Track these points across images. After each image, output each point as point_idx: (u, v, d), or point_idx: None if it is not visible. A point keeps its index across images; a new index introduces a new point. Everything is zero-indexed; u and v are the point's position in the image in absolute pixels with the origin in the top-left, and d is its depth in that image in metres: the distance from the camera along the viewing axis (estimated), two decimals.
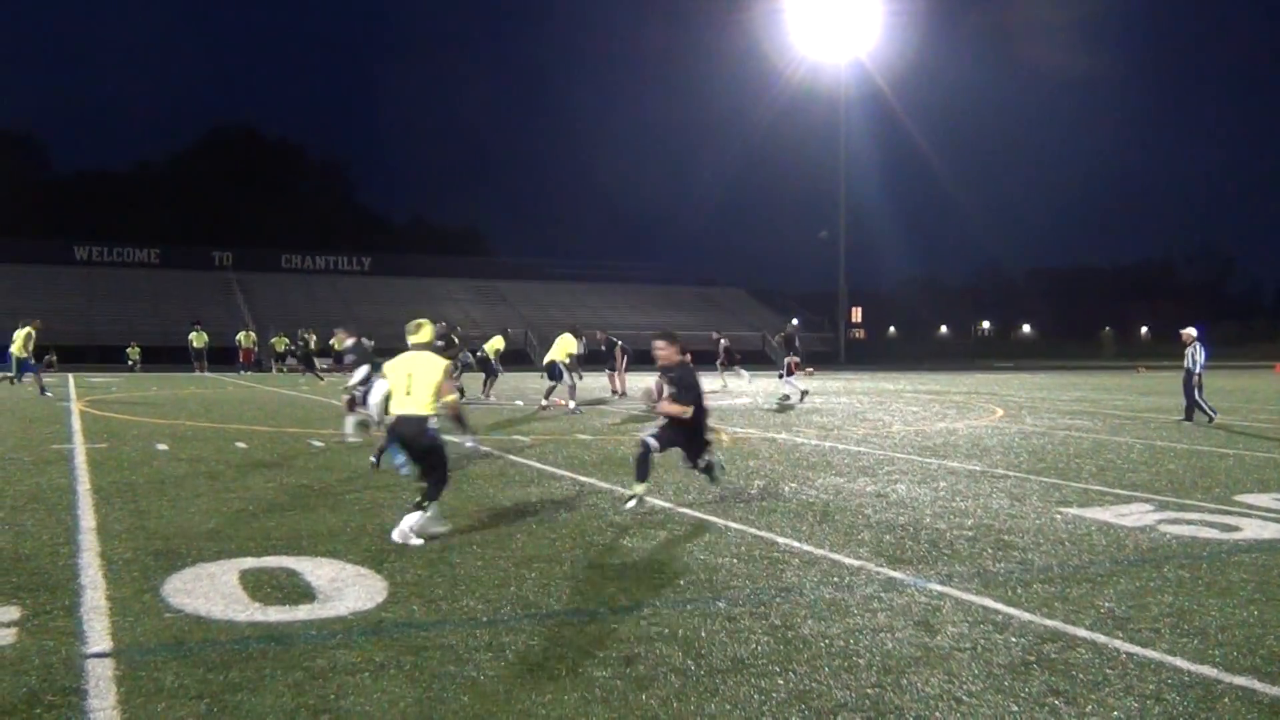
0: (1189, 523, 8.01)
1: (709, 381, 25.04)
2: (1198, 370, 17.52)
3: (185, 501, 8.57)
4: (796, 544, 7.10)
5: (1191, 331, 17.85)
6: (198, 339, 39.53)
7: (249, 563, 6.32)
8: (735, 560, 6.57)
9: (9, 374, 22.10)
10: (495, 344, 23.11)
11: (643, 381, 24.99)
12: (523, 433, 14.99)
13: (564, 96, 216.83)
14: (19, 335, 22.22)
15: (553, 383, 19.89)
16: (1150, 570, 6.40)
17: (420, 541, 6.91)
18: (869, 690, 4.23)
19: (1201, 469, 11.39)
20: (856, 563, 6.56)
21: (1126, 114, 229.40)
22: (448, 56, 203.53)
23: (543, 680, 4.30)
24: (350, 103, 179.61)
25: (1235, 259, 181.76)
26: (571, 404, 19.36)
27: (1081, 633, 5.05)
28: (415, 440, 7.14)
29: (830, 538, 7.33)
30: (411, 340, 7.38)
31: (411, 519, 6.96)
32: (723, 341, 29.28)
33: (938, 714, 4.00)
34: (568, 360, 19.93)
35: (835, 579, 6.13)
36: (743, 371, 29.53)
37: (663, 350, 8.54)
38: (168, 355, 41.44)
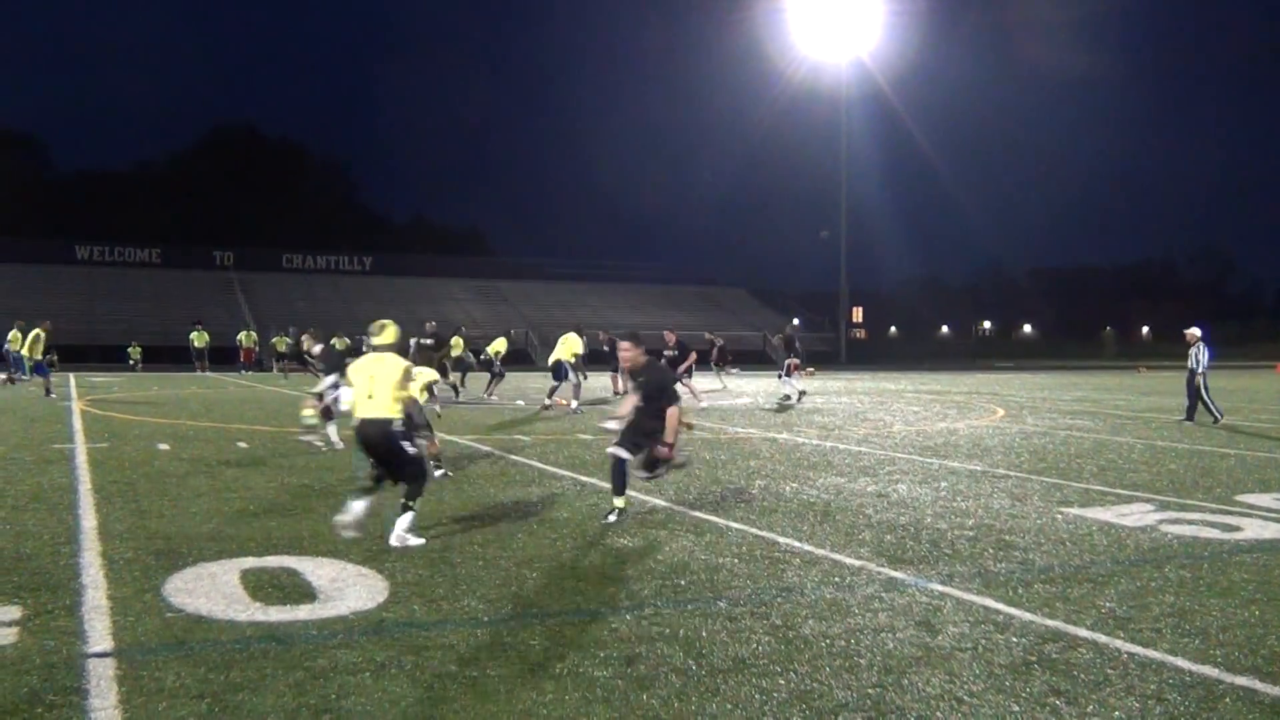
0: (1190, 523, 8.01)
1: (709, 382, 25.08)
2: (1200, 370, 17.50)
3: (186, 501, 8.57)
4: (797, 544, 7.10)
5: (1196, 332, 17.82)
6: (199, 339, 39.53)
7: (250, 562, 6.32)
8: (736, 560, 6.57)
9: (23, 376, 22.06)
10: (497, 345, 23.13)
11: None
12: (524, 433, 14.99)
13: (565, 96, 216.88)
14: (29, 338, 22.15)
15: (556, 382, 19.90)
16: (1151, 570, 6.40)
17: (421, 540, 6.91)
18: (870, 690, 4.23)
19: (1203, 469, 11.39)
20: (857, 563, 6.56)
21: (1127, 114, 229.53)
22: (449, 56, 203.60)
23: (544, 680, 4.30)
24: (351, 102, 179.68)
25: (1236, 259, 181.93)
26: (574, 404, 19.36)
27: (1083, 633, 5.05)
28: (379, 443, 7.01)
29: (831, 538, 7.33)
30: (375, 341, 7.27)
31: (403, 521, 6.93)
32: (717, 341, 29.32)
33: (939, 714, 4.00)
34: (573, 359, 19.95)
35: (836, 579, 6.13)
36: (733, 371, 29.55)
37: (629, 353, 8.07)
38: (169, 355, 41.43)
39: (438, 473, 10.07)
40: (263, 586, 5.76)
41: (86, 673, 4.33)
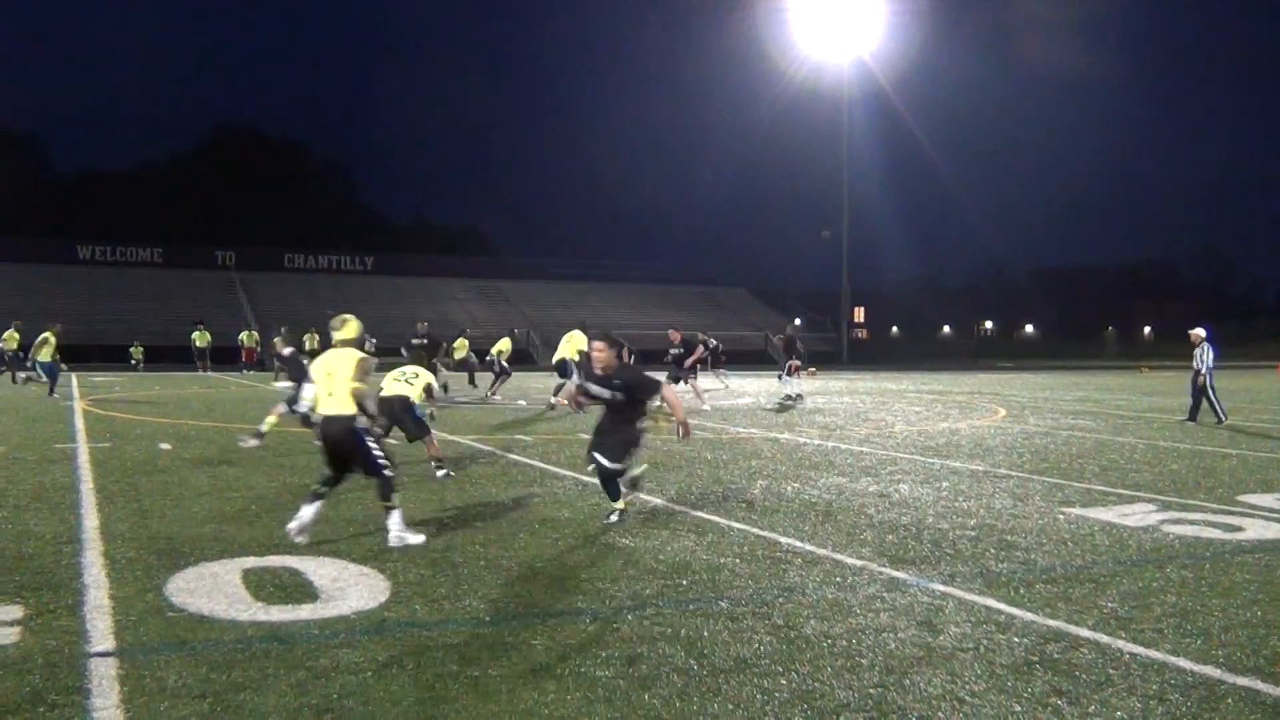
0: (1192, 523, 8.00)
1: (707, 382, 25.06)
2: (1204, 370, 17.48)
3: (188, 501, 8.58)
4: (799, 544, 7.10)
5: (1200, 332, 17.79)
6: (200, 338, 39.56)
7: (252, 562, 6.32)
8: (738, 560, 6.57)
9: (39, 377, 22.03)
10: (502, 345, 23.08)
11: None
12: (526, 432, 14.99)
13: (566, 96, 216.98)
14: (38, 342, 22.08)
15: (563, 380, 19.90)
16: (1153, 570, 6.39)
17: (421, 538, 6.90)
18: (872, 690, 4.23)
19: (1205, 469, 11.38)
20: (859, 563, 6.55)
21: (1129, 114, 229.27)
22: (450, 56, 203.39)
23: (545, 680, 4.30)
24: (353, 102, 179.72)
25: (1237, 259, 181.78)
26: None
27: (1084, 633, 5.05)
28: (342, 441, 6.92)
29: (833, 538, 7.33)
30: (336, 337, 7.16)
31: (394, 522, 6.89)
32: (710, 342, 29.27)
33: (940, 714, 4.00)
34: (577, 358, 19.96)
35: (838, 579, 6.13)
36: (723, 373, 29.49)
37: (602, 354, 7.70)
38: (170, 355, 41.46)
39: (440, 473, 10.08)
40: (264, 586, 5.76)
41: (88, 672, 4.34)
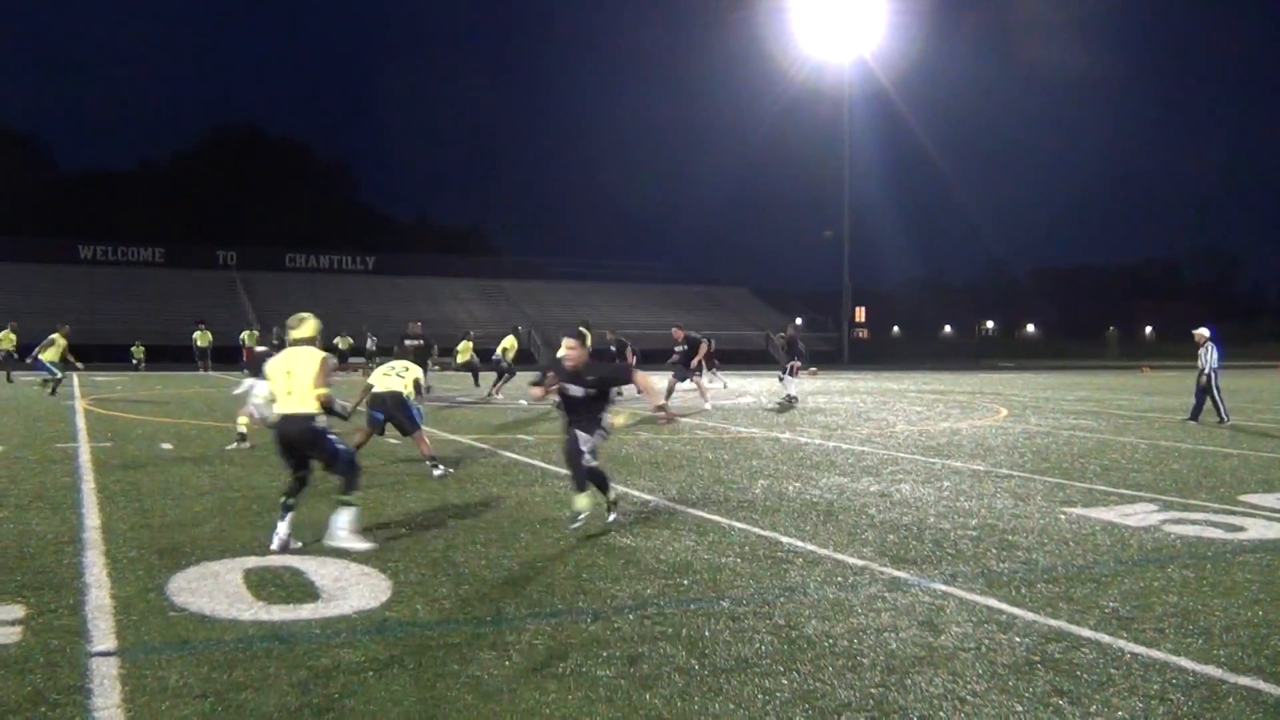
0: (1193, 523, 8.00)
1: (710, 382, 25.06)
2: (1208, 370, 17.45)
3: (189, 500, 8.58)
4: (800, 543, 7.09)
5: (1204, 332, 17.74)
6: (202, 338, 39.57)
7: (253, 562, 6.33)
8: (739, 560, 6.57)
9: (53, 378, 22.03)
10: (507, 343, 22.96)
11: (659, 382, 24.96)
12: (527, 432, 14.99)
13: (568, 96, 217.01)
14: (45, 343, 22.07)
15: None
16: (1154, 570, 6.39)
17: (367, 545, 6.66)
18: (873, 690, 4.23)
19: (1206, 469, 11.38)
20: (860, 562, 6.55)
21: (1131, 113, 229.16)
22: (451, 56, 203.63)
23: (546, 679, 4.30)
24: (354, 102, 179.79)
25: (1239, 259, 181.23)
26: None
27: (1086, 633, 5.05)
28: (302, 440, 6.78)
29: (834, 537, 7.33)
30: (293, 335, 6.99)
31: (343, 518, 6.72)
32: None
33: (942, 714, 4.00)
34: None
35: (839, 579, 6.13)
36: (716, 373, 29.45)
37: (573, 351, 7.50)
38: (172, 354, 41.48)
39: (436, 472, 10.09)
40: (266, 586, 5.76)
41: (90, 672, 4.34)
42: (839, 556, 6.71)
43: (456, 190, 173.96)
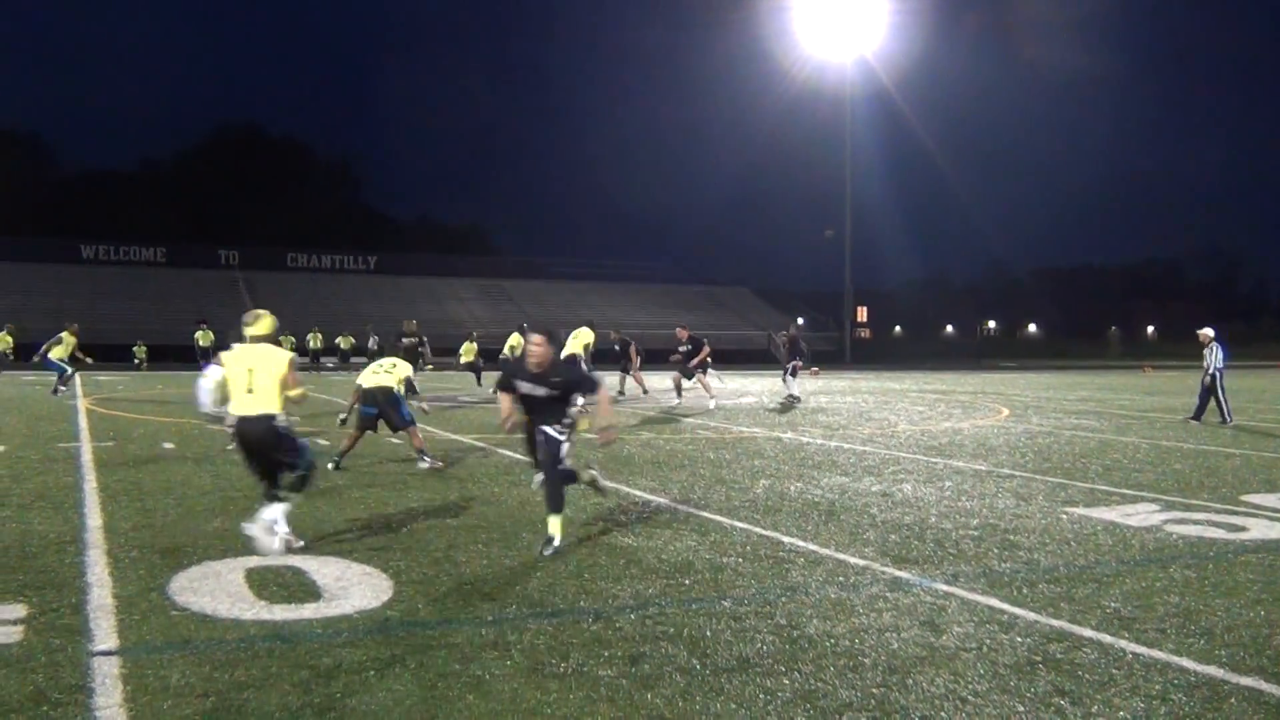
0: (1195, 523, 7.99)
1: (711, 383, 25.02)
2: (1213, 370, 17.43)
3: (191, 500, 8.58)
4: (802, 543, 7.09)
5: (1209, 332, 17.71)
6: (204, 338, 39.55)
7: (255, 561, 6.33)
8: (740, 559, 6.56)
9: (64, 375, 22.04)
10: (513, 341, 22.89)
11: (662, 381, 24.93)
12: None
13: (569, 96, 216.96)
14: (51, 341, 22.07)
15: None
16: (1156, 570, 6.38)
17: (279, 547, 6.45)
18: (874, 690, 4.23)
19: (1208, 469, 11.37)
20: (862, 562, 6.55)
21: (1132, 113, 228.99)
22: (453, 56, 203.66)
23: (548, 679, 4.30)
24: (356, 102, 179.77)
25: (1241, 259, 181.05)
26: (581, 400, 19.43)
27: (1087, 633, 5.04)
28: (264, 439, 6.57)
29: (836, 537, 7.33)
30: (249, 333, 6.75)
31: (273, 512, 6.52)
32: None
33: (943, 714, 4.00)
34: (583, 353, 20.00)
35: (841, 578, 6.13)
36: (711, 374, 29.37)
37: (539, 349, 6.97)
38: (173, 354, 41.48)
39: (423, 464, 10.21)
40: (267, 585, 5.76)
41: (91, 671, 4.34)
42: (841, 556, 6.71)
43: (458, 190, 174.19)
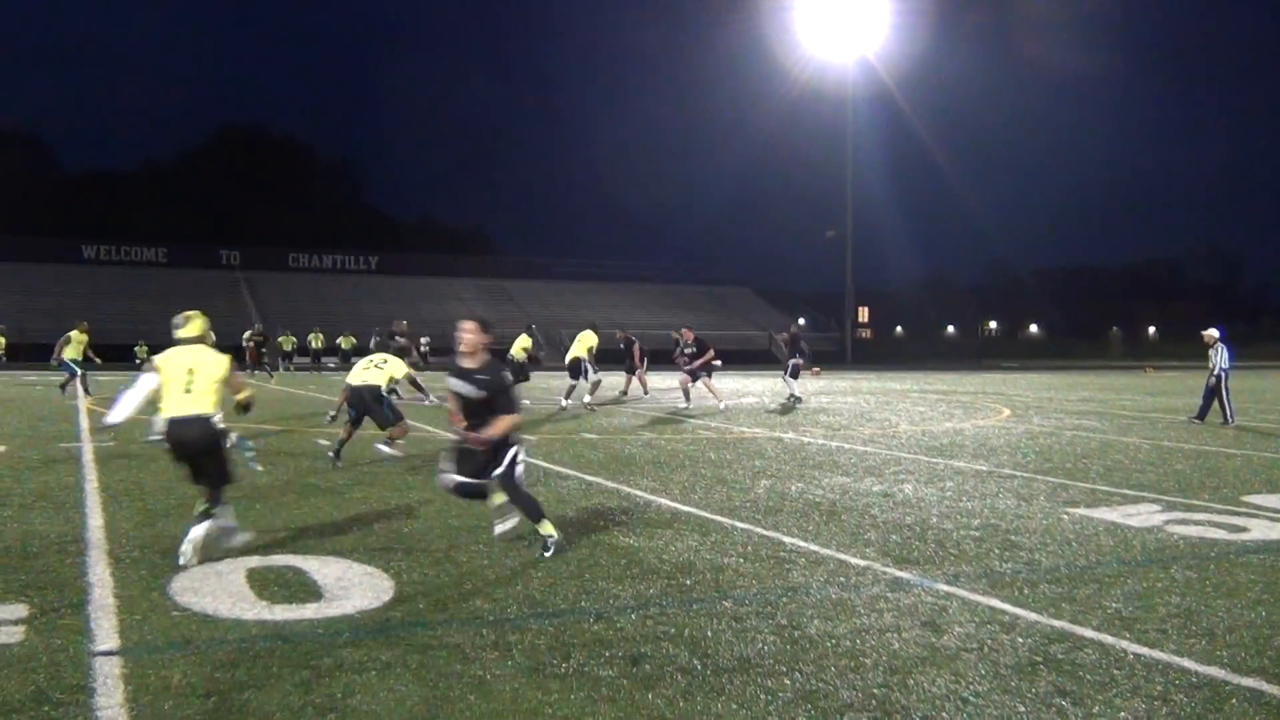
0: (1196, 523, 7.99)
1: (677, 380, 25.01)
2: (1218, 371, 17.41)
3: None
4: (803, 544, 7.09)
5: (1214, 333, 17.67)
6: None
7: (256, 561, 6.33)
8: (741, 560, 6.56)
9: (72, 376, 22.04)
10: (523, 343, 22.66)
11: (666, 380, 24.90)
12: (529, 432, 14.99)
13: (571, 96, 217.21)
14: (61, 342, 22.09)
15: (574, 382, 19.88)
16: (1158, 571, 6.38)
17: (193, 559, 6.23)
18: (875, 690, 4.23)
19: (1209, 469, 11.36)
20: (863, 562, 6.55)
21: (1134, 113, 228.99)
22: (455, 56, 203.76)
23: (549, 679, 4.30)
24: (358, 102, 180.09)
25: (1243, 259, 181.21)
26: (587, 398, 19.60)
27: (1089, 633, 5.04)
28: (200, 441, 6.40)
29: (837, 537, 7.32)
30: (181, 334, 6.60)
31: (200, 530, 6.28)
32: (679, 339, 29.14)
33: (944, 714, 3.99)
34: (587, 355, 20.02)
35: (842, 579, 6.13)
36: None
37: (470, 335, 6.53)
38: None
39: (384, 448, 10.35)
40: (268, 585, 5.77)
41: (93, 671, 4.34)
42: (842, 557, 6.71)
43: (459, 190, 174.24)
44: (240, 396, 6.77)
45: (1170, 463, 11.92)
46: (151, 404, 6.54)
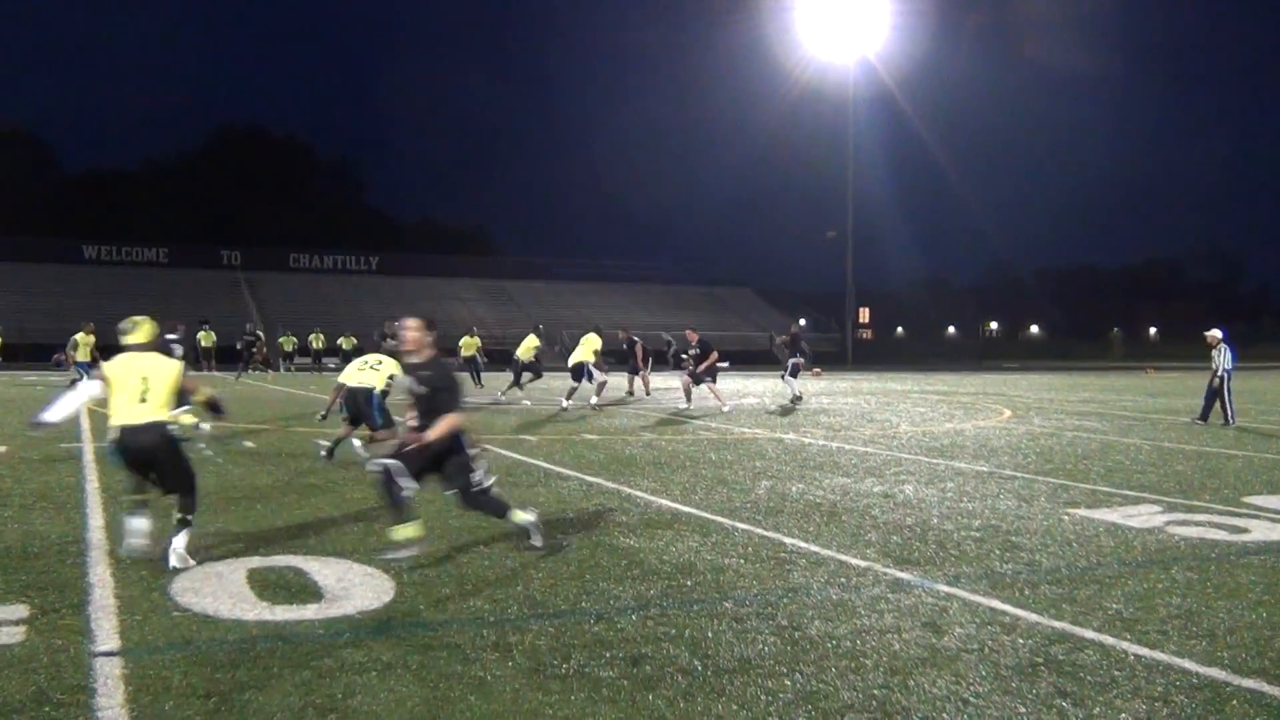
0: (1197, 524, 7.99)
1: (666, 380, 25.05)
2: (1220, 372, 17.39)
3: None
4: (803, 544, 7.09)
5: (1216, 334, 17.65)
6: (205, 338, 39.57)
7: (256, 562, 6.33)
8: (742, 560, 6.56)
9: (81, 376, 22.09)
10: (531, 343, 22.50)
11: (665, 380, 24.88)
12: (530, 433, 15.00)
13: (572, 96, 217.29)
14: (70, 343, 22.15)
15: (575, 384, 19.86)
16: (1158, 572, 6.38)
17: (193, 563, 6.22)
18: (876, 691, 4.23)
19: (1210, 470, 11.36)
20: (863, 563, 6.55)
21: (1135, 113, 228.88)
22: (456, 56, 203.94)
23: (549, 680, 4.30)
24: (358, 102, 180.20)
25: (1243, 260, 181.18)
26: (594, 399, 19.63)
27: (1089, 634, 5.04)
28: (157, 448, 6.30)
29: (837, 538, 7.32)
30: (129, 340, 6.49)
31: (183, 540, 6.24)
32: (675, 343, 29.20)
33: (945, 715, 3.99)
34: (593, 359, 20.02)
35: (842, 580, 6.13)
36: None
37: (412, 333, 6.50)
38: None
39: (359, 447, 10.28)
40: (269, 586, 5.77)
41: (93, 671, 4.34)
42: (842, 557, 6.71)
43: (460, 191, 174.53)
44: (199, 398, 6.74)
45: (1171, 464, 11.92)
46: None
